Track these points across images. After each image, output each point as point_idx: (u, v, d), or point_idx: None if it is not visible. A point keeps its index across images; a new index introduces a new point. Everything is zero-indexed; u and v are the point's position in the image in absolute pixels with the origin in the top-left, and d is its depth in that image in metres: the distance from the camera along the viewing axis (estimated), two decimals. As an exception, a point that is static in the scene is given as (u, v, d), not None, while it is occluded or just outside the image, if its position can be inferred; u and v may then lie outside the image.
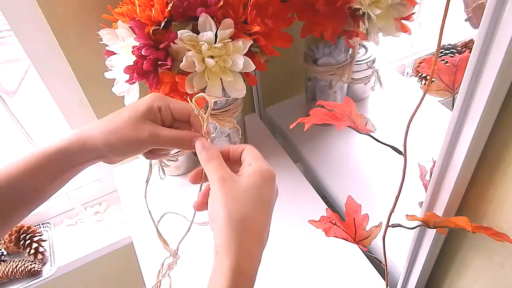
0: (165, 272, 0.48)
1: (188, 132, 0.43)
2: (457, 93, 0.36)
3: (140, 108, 0.42)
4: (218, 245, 0.36)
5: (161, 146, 0.43)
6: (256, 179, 0.38)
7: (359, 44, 0.89)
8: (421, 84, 1.11)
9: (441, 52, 1.05)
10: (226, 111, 0.75)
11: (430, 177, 0.44)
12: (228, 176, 0.38)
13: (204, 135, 0.43)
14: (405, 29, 0.72)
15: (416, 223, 0.46)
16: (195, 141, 0.42)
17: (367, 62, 0.91)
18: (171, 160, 0.85)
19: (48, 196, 0.43)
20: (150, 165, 0.49)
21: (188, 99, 0.43)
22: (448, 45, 1.06)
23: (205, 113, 0.42)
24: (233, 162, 0.42)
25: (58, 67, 0.83)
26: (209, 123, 0.46)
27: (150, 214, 0.48)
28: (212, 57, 0.59)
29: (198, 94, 0.42)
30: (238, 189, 0.37)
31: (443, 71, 0.51)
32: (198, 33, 0.58)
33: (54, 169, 0.42)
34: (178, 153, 0.82)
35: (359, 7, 0.67)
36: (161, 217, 0.48)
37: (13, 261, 0.95)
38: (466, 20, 0.50)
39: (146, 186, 0.47)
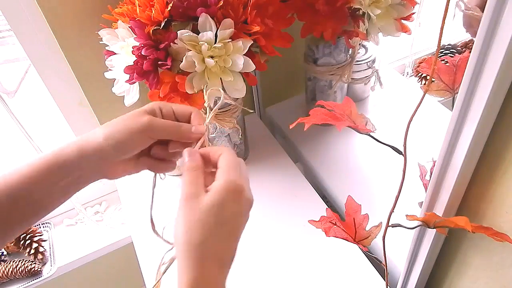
0: (168, 266, 0.47)
1: (186, 123, 0.44)
2: (457, 93, 0.36)
3: (141, 109, 0.43)
4: (178, 271, 0.36)
5: (161, 131, 0.43)
6: (221, 196, 0.37)
7: (359, 44, 0.89)
8: (421, 84, 1.11)
9: (441, 52, 1.05)
10: (226, 111, 0.75)
11: (430, 177, 0.44)
12: (195, 194, 0.37)
13: (206, 126, 0.44)
14: (405, 29, 0.72)
15: (416, 223, 0.46)
16: (194, 130, 0.43)
17: (367, 62, 0.91)
18: (171, 160, 0.85)
19: (48, 207, 0.42)
20: (154, 178, 0.48)
21: (204, 88, 0.43)
22: (448, 45, 1.06)
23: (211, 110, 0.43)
24: (213, 166, 0.41)
25: (58, 67, 0.83)
26: (209, 123, 0.46)
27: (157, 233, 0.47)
28: (212, 57, 0.59)
29: (213, 87, 0.42)
30: (199, 210, 0.36)
31: (443, 71, 0.51)
32: (198, 33, 0.58)
33: (51, 174, 0.40)
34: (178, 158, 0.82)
35: (359, 7, 0.67)
36: (164, 228, 0.48)
37: (13, 261, 0.95)
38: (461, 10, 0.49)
39: (151, 212, 0.47)
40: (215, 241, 0.36)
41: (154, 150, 0.45)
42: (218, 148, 0.41)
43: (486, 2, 0.30)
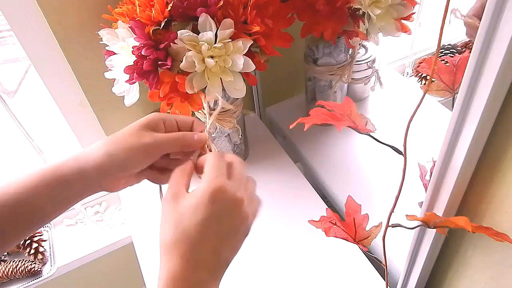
0: None
1: (188, 132, 0.45)
2: (457, 93, 0.36)
3: (142, 120, 0.43)
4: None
5: (165, 147, 0.43)
6: (197, 198, 0.37)
7: (359, 44, 0.89)
8: (421, 84, 1.11)
9: (441, 52, 1.05)
10: (226, 111, 0.75)
11: (430, 177, 0.44)
12: (175, 195, 0.38)
13: (208, 131, 0.45)
14: (405, 29, 0.72)
15: (416, 223, 0.46)
16: (196, 138, 0.44)
17: (367, 62, 0.91)
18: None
19: (47, 217, 0.42)
20: (160, 192, 0.48)
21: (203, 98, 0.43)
22: (448, 45, 1.06)
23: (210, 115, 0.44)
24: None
25: (58, 67, 0.83)
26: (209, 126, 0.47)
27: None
28: (212, 57, 0.59)
29: (211, 95, 0.43)
30: (175, 211, 0.37)
31: (443, 71, 0.51)
32: (198, 33, 0.58)
33: (50, 189, 0.40)
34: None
35: (359, 7, 0.67)
36: None
37: (13, 261, 0.95)
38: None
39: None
40: (188, 242, 0.36)
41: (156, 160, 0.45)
42: (206, 155, 0.42)
43: (483, 11, 0.30)
